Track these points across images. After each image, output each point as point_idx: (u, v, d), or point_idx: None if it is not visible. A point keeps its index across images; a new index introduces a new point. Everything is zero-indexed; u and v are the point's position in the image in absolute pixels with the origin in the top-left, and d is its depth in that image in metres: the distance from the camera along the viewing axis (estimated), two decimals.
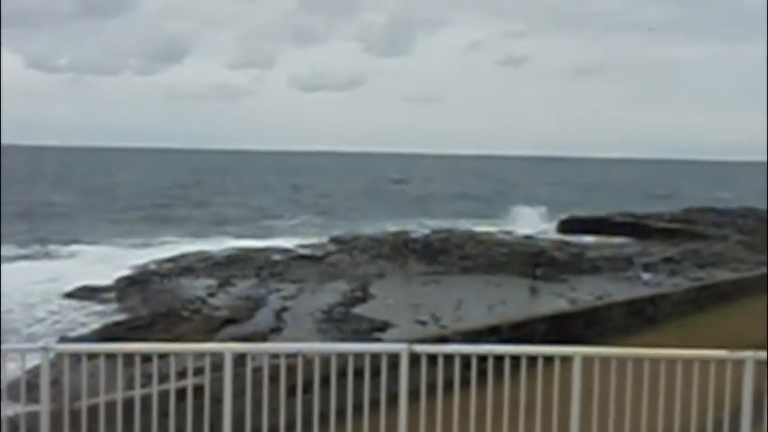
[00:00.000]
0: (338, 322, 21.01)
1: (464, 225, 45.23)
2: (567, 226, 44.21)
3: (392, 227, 42.29)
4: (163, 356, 5.56)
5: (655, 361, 5.33)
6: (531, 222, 48.19)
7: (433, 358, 5.36)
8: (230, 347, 5.42)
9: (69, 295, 25.85)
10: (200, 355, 5.61)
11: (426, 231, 38.61)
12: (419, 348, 5.35)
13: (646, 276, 28.50)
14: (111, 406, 5.30)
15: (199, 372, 5.50)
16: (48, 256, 36.88)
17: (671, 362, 5.31)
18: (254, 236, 42.96)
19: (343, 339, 18.29)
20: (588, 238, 38.74)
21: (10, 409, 5.47)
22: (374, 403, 5.42)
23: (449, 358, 5.39)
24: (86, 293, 26.03)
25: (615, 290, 24.54)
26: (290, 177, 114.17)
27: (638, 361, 5.34)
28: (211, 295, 24.42)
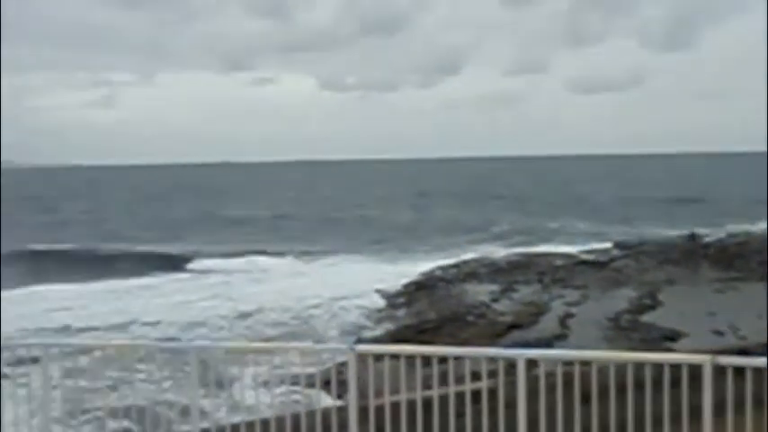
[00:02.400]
0: (626, 330, 20.29)
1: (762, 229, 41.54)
2: None
3: (675, 231, 39.93)
4: (457, 359, 5.74)
5: None
6: None
7: (739, 372, 5.01)
8: (523, 353, 5.46)
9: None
10: (492, 360, 5.71)
11: (721, 235, 36.03)
12: (724, 360, 5.03)
13: None
14: (411, 404, 5.58)
15: (491, 375, 5.61)
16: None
17: None
18: (527, 242, 42.79)
19: (632, 348, 17.63)
20: None
21: (323, 402, 5.95)
22: (674, 417, 5.18)
23: (757, 372, 5.01)
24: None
25: None
26: (564, 181, 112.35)
27: None
28: (495, 300, 24.71)
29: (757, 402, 5.02)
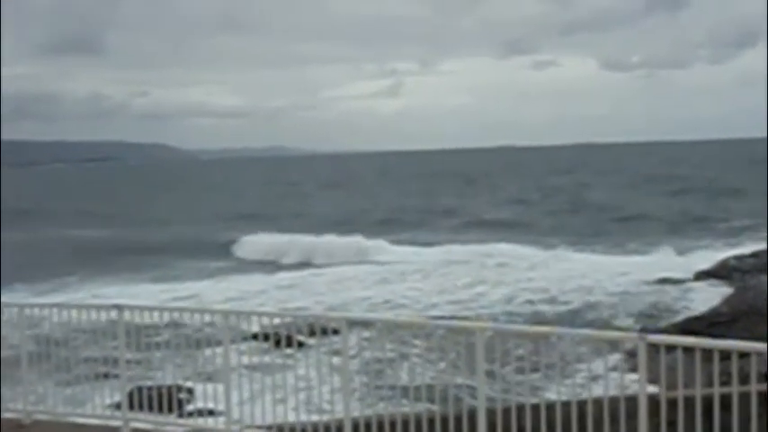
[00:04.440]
0: None
1: None
2: None
3: None
4: (744, 356, 5.33)
5: None
6: None
7: None
8: None
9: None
10: None
11: None
12: None
13: None
14: (706, 399, 5.30)
15: None
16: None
17: None
18: None
19: None
20: None
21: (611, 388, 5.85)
22: None
23: None
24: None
25: None
26: None
27: None
28: None
29: None
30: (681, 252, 35.20)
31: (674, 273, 28.33)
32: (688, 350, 5.49)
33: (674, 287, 26.61)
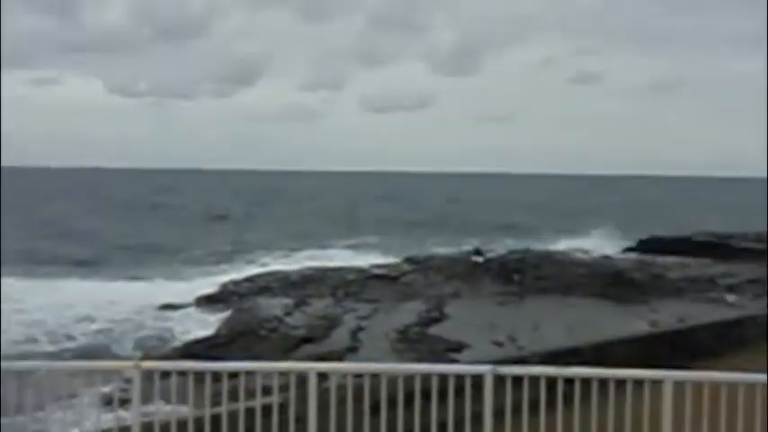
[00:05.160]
0: (414, 342, 20.94)
1: (539, 245, 44.65)
2: (647, 246, 43.16)
3: (465, 247, 42.00)
4: (248, 374, 5.63)
5: (750, 386, 5.14)
6: (603, 243, 47.40)
7: (517, 380, 5.30)
8: (315, 367, 5.47)
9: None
10: (283, 374, 5.67)
11: (501, 251, 38.22)
12: (504, 370, 5.30)
13: (731, 298, 27.59)
14: (198, 421, 5.40)
15: (282, 389, 5.56)
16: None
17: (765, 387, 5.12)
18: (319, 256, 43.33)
19: (419, 360, 18.22)
20: (669, 259, 37.72)
21: (104, 422, 5.62)
22: (458, 423, 5.37)
23: (533, 380, 5.32)
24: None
25: (698, 312, 23.82)
26: (353, 198, 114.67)
27: (732, 386, 5.17)
28: (288, 314, 24.66)
29: (533, 408, 5.31)
30: (182, 278, 36.15)
31: (177, 298, 28.92)
32: (184, 374, 5.54)
33: (175, 312, 27.12)
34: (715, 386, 5.15)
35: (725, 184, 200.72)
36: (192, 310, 27.46)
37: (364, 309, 25.44)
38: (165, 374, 5.42)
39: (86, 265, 41.25)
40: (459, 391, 5.36)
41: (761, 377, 5.17)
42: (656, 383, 5.17)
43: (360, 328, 22.61)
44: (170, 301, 28.57)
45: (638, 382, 5.26)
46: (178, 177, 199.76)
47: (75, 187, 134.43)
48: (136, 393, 5.23)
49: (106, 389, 6.30)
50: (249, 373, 5.56)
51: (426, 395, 5.35)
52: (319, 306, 26.03)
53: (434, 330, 22.32)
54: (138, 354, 21.23)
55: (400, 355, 19.63)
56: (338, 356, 19.30)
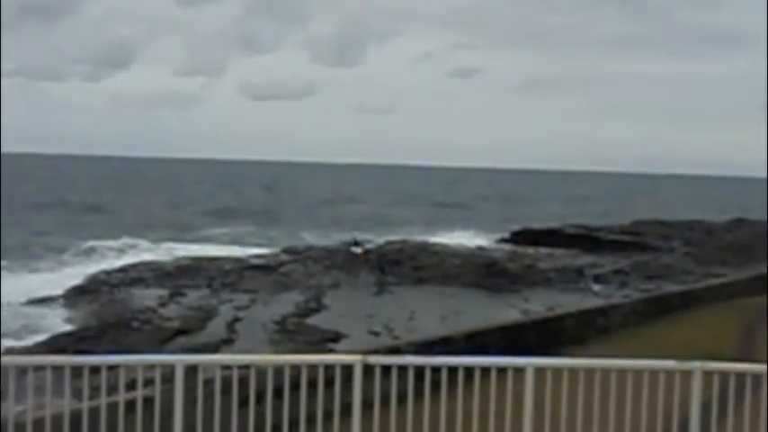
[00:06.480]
0: (291, 333, 20.91)
1: (416, 236, 45.32)
2: (520, 237, 44.61)
3: (344, 237, 42.12)
4: (112, 368, 5.44)
5: (606, 371, 5.39)
6: (477, 234, 48.66)
7: (386, 369, 5.34)
8: (182, 359, 5.33)
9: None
10: (150, 367, 5.51)
11: (380, 242, 38.53)
12: (373, 360, 5.33)
13: (596, 287, 28.91)
14: (57, 419, 5.18)
15: (149, 383, 5.41)
16: None
17: (621, 372, 5.37)
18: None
19: (296, 350, 18.19)
20: (541, 250, 39.12)
21: None
22: (327, 414, 5.38)
23: (403, 369, 5.38)
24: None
25: (566, 301, 24.84)
26: (235, 186, 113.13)
27: (590, 371, 5.39)
28: (162, 305, 24.10)
29: (402, 397, 5.38)
30: (49, 269, 34.61)
31: (47, 290, 27.65)
32: (43, 368, 5.30)
33: (44, 305, 25.94)
34: (574, 372, 5.37)
35: (601, 179, 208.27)
36: (60, 301, 26.33)
37: (242, 299, 25.18)
38: (23, 371, 5.17)
39: None
40: (330, 382, 5.36)
41: (614, 362, 5.45)
42: (519, 370, 5.34)
43: (237, 319, 22.37)
44: (37, 293, 27.31)
45: (503, 370, 5.41)
46: (44, 163, 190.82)
47: None
48: None
49: None
50: (112, 368, 5.37)
51: (296, 386, 5.32)
52: (195, 297, 25.58)
53: (313, 321, 22.36)
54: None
55: (277, 346, 19.55)
56: (214, 348, 19.03)
